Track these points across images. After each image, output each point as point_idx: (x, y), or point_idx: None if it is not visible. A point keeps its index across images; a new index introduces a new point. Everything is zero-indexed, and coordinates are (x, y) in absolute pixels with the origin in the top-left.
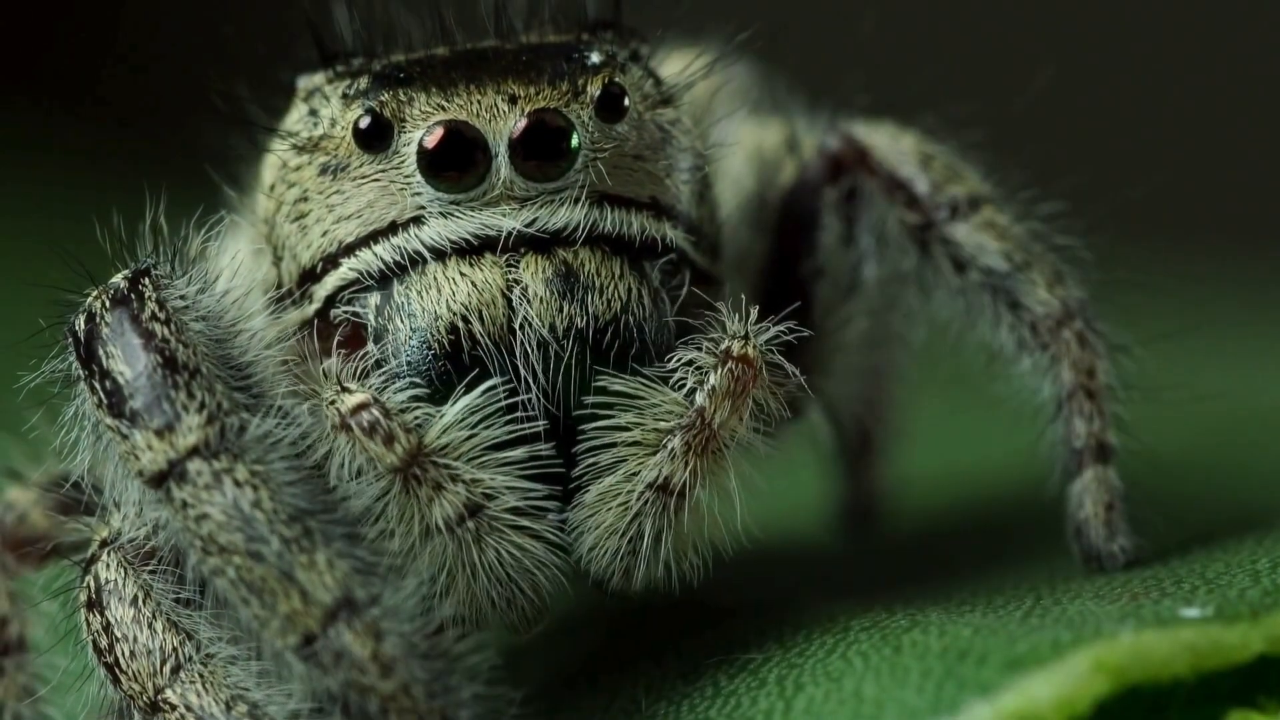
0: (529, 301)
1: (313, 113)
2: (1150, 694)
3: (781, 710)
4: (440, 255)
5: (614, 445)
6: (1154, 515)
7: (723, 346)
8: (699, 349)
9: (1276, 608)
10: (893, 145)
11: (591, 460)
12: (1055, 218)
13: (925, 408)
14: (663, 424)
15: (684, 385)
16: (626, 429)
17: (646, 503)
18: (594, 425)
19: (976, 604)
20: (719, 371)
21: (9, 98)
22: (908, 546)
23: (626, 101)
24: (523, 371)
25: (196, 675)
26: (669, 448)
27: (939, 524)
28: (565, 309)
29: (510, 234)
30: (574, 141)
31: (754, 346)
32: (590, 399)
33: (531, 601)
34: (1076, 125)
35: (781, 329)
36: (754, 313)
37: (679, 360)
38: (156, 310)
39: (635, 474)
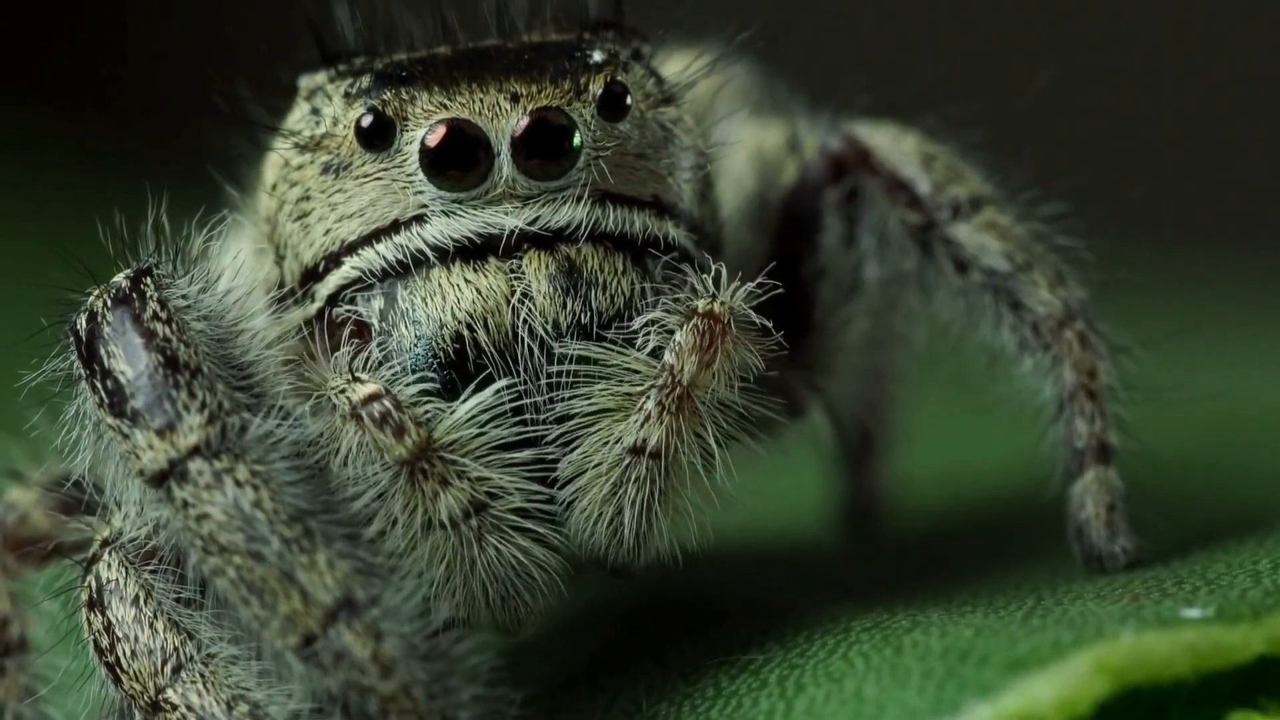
0: (532, 298)
1: (315, 112)
2: (1151, 695)
3: (783, 711)
4: (443, 254)
5: (584, 413)
6: (1155, 516)
7: (689, 304)
8: (664, 308)
9: (1277, 608)
10: (894, 146)
11: (565, 429)
12: (1056, 218)
13: (926, 408)
14: (635, 387)
15: (648, 345)
16: (594, 396)
17: (628, 467)
18: (565, 395)
19: (978, 605)
20: (684, 327)
21: (9, 97)
22: (909, 547)
23: (628, 100)
24: (526, 369)
25: (197, 675)
26: (644, 409)
27: (940, 524)
28: (569, 304)
29: (513, 232)
30: (576, 140)
31: (720, 302)
32: (555, 368)
33: (526, 603)
34: (1077, 125)
35: (752, 285)
36: (722, 271)
37: (642, 320)
38: (158, 310)
39: (609, 440)
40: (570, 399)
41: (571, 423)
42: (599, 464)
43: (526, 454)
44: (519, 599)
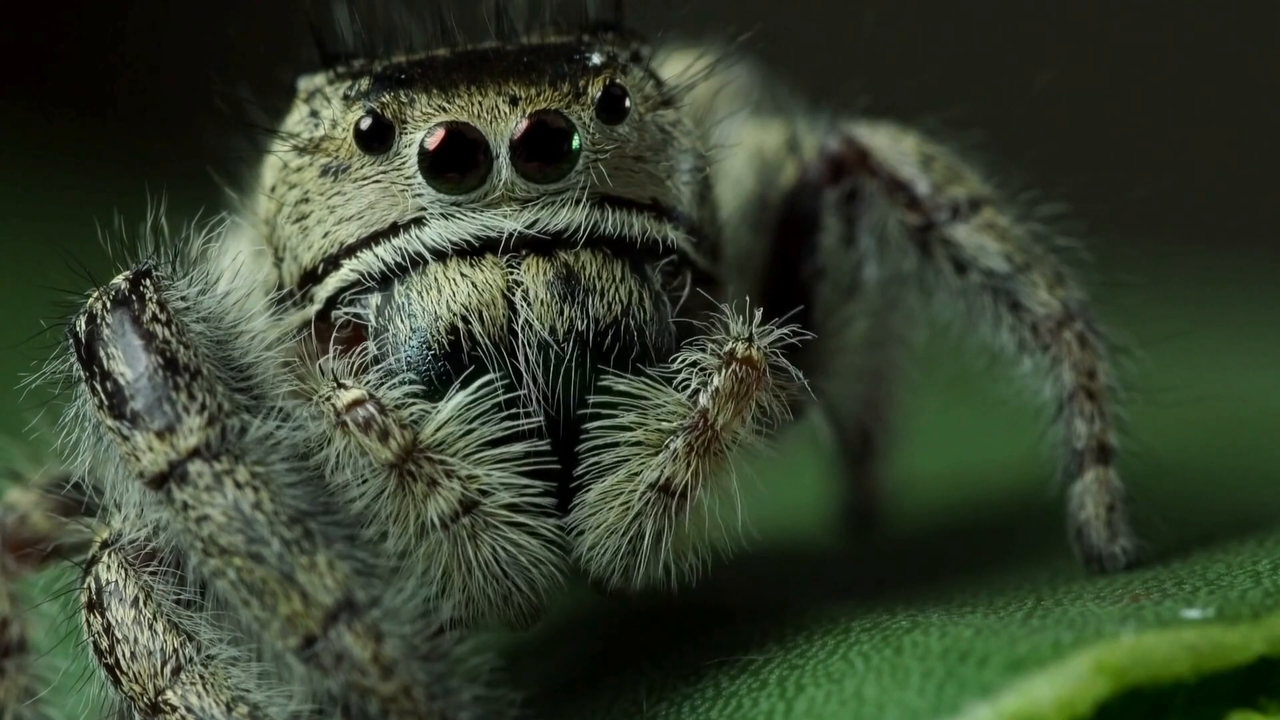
0: (529, 304)
1: (314, 114)
2: (1151, 695)
3: (783, 711)
4: (441, 256)
5: (616, 445)
6: (1155, 516)
7: (727, 348)
8: (703, 350)
9: (1277, 609)
10: (893, 146)
11: (594, 460)
12: (1056, 219)
13: (926, 409)
14: (665, 424)
15: (687, 386)
16: (629, 429)
17: (648, 503)
18: (596, 425)
19: (978, 605)
20: (723, 373)
21: (10, 97)
22: (909, 547)
23: (627, 103)
24: (523, 373)
25: (197, 676)
26: (671, 448)
27: (940, 525)
28: (566, 311)
29: (511, 235)
30: (575, 143)
31: (758, 349)
32: (593, 398)
33: (528, 598)
34: (1077, 126)
35: (785, 331)
36: (758, 315)
37: (683, 361)
38: (157, 311)
39: (637, 474)
40: (606, 428)
41: (597, 454)
42: (618, 494)
43: (517, 448)
44: (519, 595)
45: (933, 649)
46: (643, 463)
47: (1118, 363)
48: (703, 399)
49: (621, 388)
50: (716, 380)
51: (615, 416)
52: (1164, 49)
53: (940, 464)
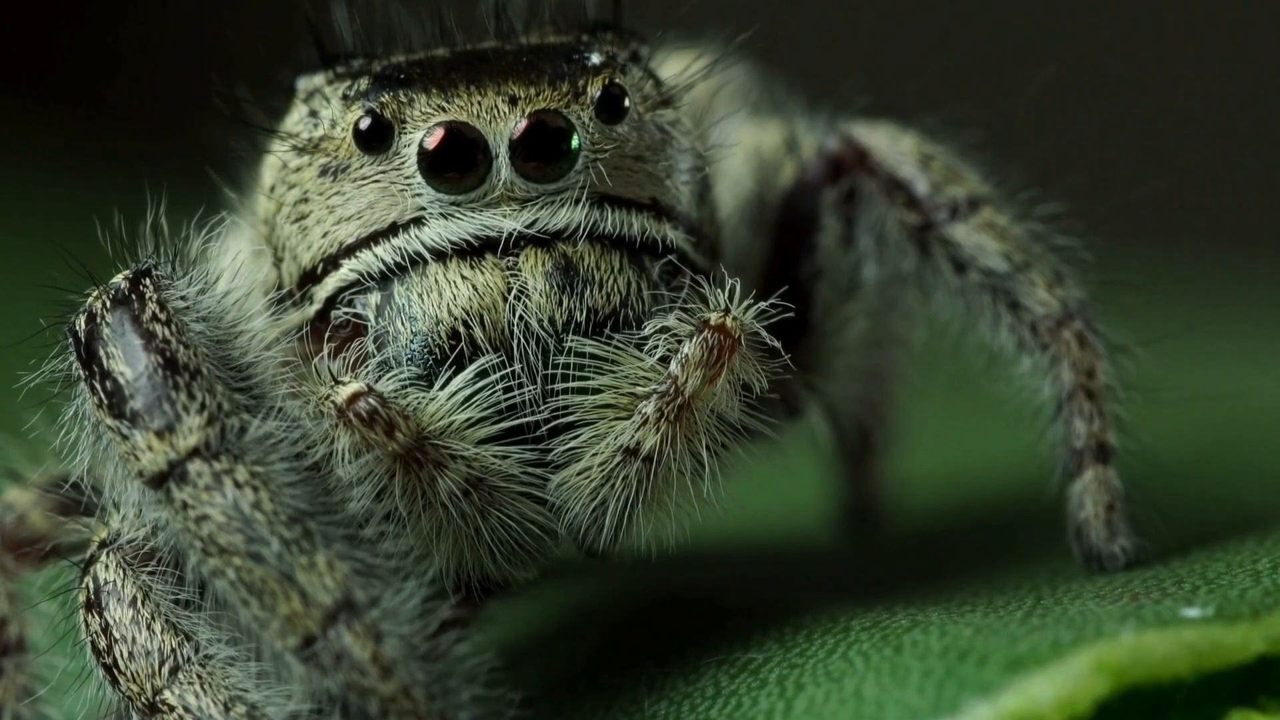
0: (528, 295)
1: (313, 114)
2: (1151, 694)
3: (782, 710)
4: (441, 256)
5: (583, 407)
6: (1154, 516)
7: (700, 316)
8: (676, 317)
9: (1277, 608)
10: (892, 146)
11: (563, 420)
12: (1055, 218)
13: (926, 408)
14: (638, 389)
15: (657, 351)
16: (599, 391)
17: (618, 465)
18: (564, 386)
19: (977, 604)
20: (694, 340)
21: (9, 97)
22: (908, 546)
23: (627, 102)
24: (520, 362)
25: (195, 676)
26: (642, 413)
27: (939, 524)
28: (565, 302)
29: (511, 235)
30: (574, 142)
31: (733, 318)
32: (562, 359)
33: (534, 553)
34: (1076, 126)
35: (764, 305)
36: (736, 286)
37: (654, 326)
38: (157, 311)
39: (605, 436)
40: (575, 390)
41: (573, 416)
42: (592, 455)
43: (516, 423)
44: (524, 554)
45: (932, 648)
46: (610, 425)
47: (1117, 362)
48: (673, 366)
49: (589, 350)
50: (687, 346)
51: (586, 379)
52: (1164, 49)
53: (940, 464)
